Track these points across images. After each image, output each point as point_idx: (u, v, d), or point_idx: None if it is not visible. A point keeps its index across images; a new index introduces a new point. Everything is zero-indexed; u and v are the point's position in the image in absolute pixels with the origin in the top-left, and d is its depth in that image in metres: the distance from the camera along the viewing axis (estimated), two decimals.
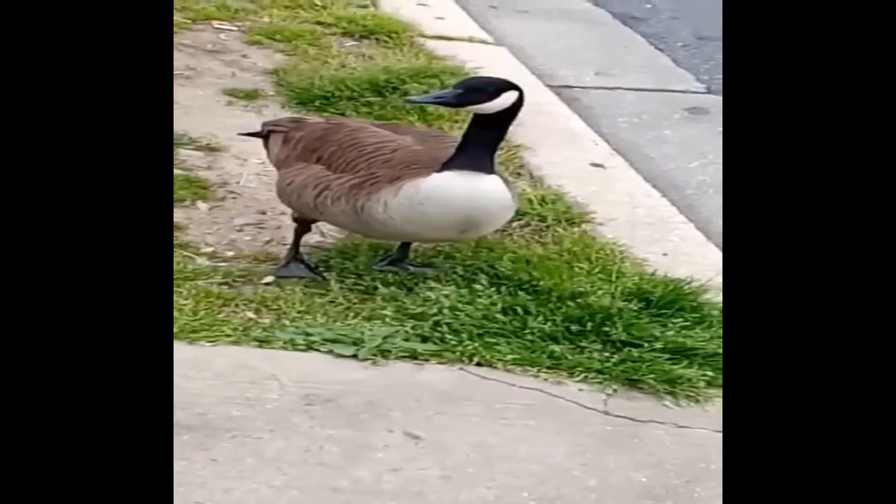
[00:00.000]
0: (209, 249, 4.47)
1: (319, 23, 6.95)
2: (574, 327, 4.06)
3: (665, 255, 4.67)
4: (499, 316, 4.06)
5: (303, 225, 4.38)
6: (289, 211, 4.43)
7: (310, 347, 3.89)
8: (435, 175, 4.05)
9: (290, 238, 4.42)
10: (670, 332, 4.07)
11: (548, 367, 3.90)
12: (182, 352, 3.77)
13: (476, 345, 3.94)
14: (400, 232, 4.21)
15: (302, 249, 4.41)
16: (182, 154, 5.19)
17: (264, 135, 4.59)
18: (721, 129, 2.86)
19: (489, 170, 4.08)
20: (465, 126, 5.53)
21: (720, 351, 3.86)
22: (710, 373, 3.90)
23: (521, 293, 4.20)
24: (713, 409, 3.75)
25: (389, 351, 3.90)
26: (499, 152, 5.41)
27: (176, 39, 6.51)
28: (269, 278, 4.28)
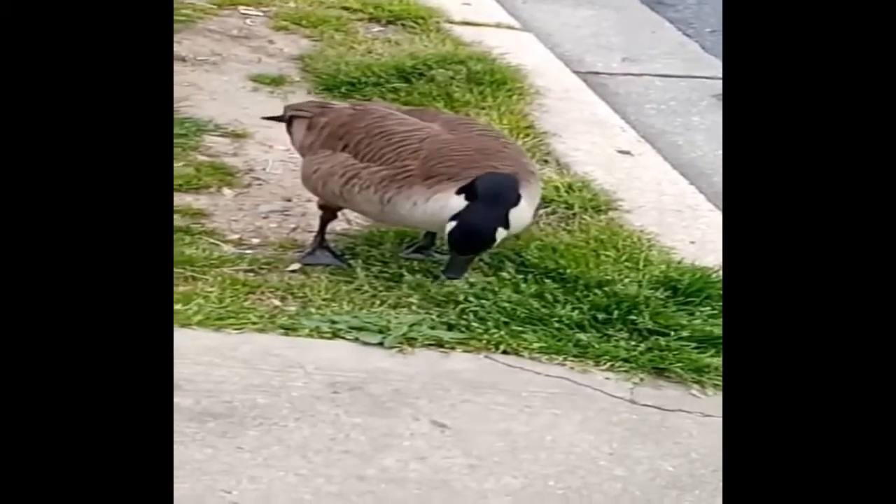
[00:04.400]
0: (235, 236, 4.47)
1: (346, 8, 6.93)
2: (601, 315, 4.04)
3: (692, 242, 4.65)
4: (525, 304, 4.05)
5: (328, 212, 4.37)
6: (315, 198, 4.42)
7: (335, 335, 3.88)
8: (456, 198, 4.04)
9: (315, 225, 4.41)
10: (697, 321, 4.06)
11: (574, 356, 3.89)
12: (207, 339, 3.78)
13: (502, 333, 3.93)
14: (419, 227, 4.24)
15: (328, 237, 4.40)
16: (207, 140, 5.19)
17: (287, 119, 4.57)
18: None
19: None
20: (492, 112, 5.58)
21: None
22: None
23: (547, 281, 4.18)
24: None
25: (415, 339, 3.89)
26: (525, 139, 5.43)
27: (202, 25, 6.51)
28: (295, 266, 4.28)
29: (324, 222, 4.37)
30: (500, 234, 4.03)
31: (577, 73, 6.56)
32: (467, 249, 4.07)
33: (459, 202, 4.03)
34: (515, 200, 4.04)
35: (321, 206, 4.37)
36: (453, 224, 4.01)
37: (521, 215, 4.08)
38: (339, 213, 4.45)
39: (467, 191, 4.02)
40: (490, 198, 4.01)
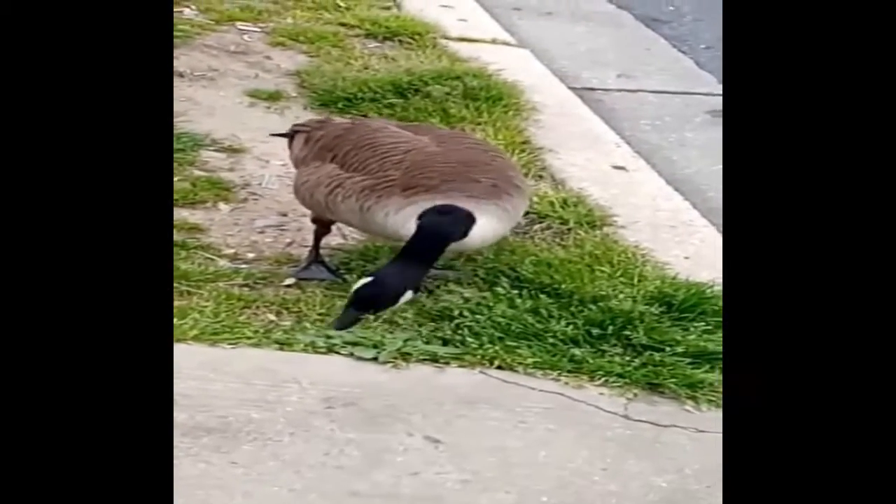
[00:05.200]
0: (230, 251, 4.48)
1: (342, 24, 6.95)
2: (595, 331, 4.05)
3: (687, 258, 4.66)
4: (520, 319, 4.05)
5: (322, 226, 4.38)
6: (309, 212, 4.43)
7: (330, 350, 3.89)
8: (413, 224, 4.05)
9: (311, 240, 4.42)
10: (692, 336, 4.06)
11: (568, 371, 3.89)
12: (202, 354, 3.79)
13: (497, 348, 3.94)
14: (396, 238, 4.24)
15: (323, 251, 4.41)
16: (204, 155, 5.20)
17: (290, 135, 4.59)
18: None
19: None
20: (488, 127, 5.59)
21: None
22: None
23: (542, 296, 4.19)
24: None
25: (410, 354, 3.89)
26: (521, 154, 5.44)
27: (199, 41, 6.53)
28: (290, 280, 4.28)
29: (317, 237, 4.38)
30: (406, 297, 4.02)
31: (572, 88, 6.57)
32: (364, 308, 4.01)
33: (412, 226, 4.04)
34: (460, 234, 4.05)
35: (314, 220, 4.39)
36: (367, 280, 4.00)
37: (482, 234, 4.09)
38: (334, 228, 4.45)
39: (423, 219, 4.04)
40: (412, 255, 4.02)
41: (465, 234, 4.06)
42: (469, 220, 4.05)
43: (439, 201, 4.04)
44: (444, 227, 4.05)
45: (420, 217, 4.04)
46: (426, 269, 4.09)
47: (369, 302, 4.00)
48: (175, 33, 6.37)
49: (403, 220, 4.06)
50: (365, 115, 5.57)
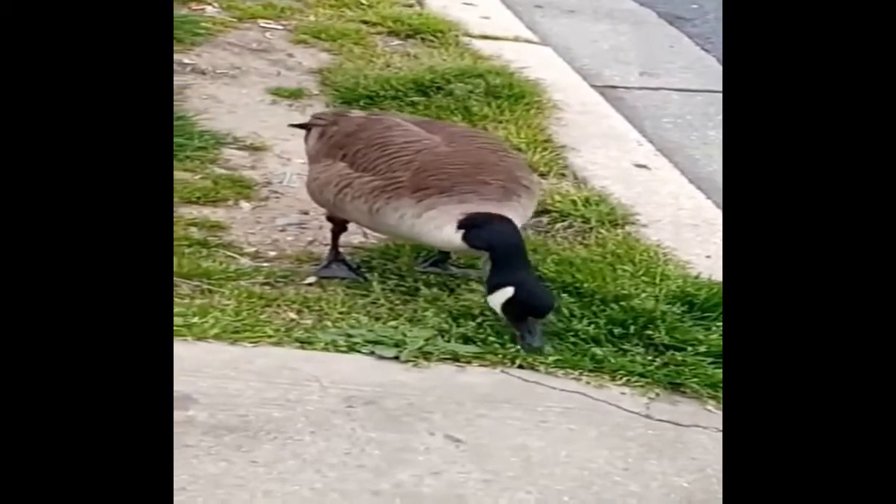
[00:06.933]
0: (252, 249, 4.48)
1: (365, 22, 6.96)
2: (617, 330, 4.04)
3: (709, 257, 4.65)
4: None
5: (337, 224, 4.37)
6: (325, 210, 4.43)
7: (351, 349, 3.89)
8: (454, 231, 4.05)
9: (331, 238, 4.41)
10: (714, 336, 4.05)
11: (590, 371, 3.89)
12: (224, 352, 3.79)
13: (518, 347, 3.93)
14: (405, 239, 4.24)
15: (344, 250, 4.41)
16: (226, 153, 5.21)
17: (308, 127, 4.58)
18: None
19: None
20: (510, 125, 5.58)
21: None
22: None
23: (564, 295, 4.18)
24: None
25: (431, 353, 3.89)
26: (543, 153, 5.43)
27: (222, 38, 6.54)
28: (311, 279, 4.28)
29: (335, 235, 4.37)
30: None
31: (594, 86, 6.56)
32: (543, 314, 3.97)
33: (455, 235, 4.02)
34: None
35: (329, 218, 4.38)
36: (509, 293, 3.94)
37: None
38: (356, 227, 4.45)
39: (466, 229, 4.01)
40: (508, 263, 3.98)
41: None
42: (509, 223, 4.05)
43: (454, 204, 4.03)
44: (514, 234, 4.04)
45: (460, 227, 4.02)
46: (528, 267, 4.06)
47: (542, 308, 3.96)
48: (197, 31, 6.40)
49: (433, 224, 4.04)
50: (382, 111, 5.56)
